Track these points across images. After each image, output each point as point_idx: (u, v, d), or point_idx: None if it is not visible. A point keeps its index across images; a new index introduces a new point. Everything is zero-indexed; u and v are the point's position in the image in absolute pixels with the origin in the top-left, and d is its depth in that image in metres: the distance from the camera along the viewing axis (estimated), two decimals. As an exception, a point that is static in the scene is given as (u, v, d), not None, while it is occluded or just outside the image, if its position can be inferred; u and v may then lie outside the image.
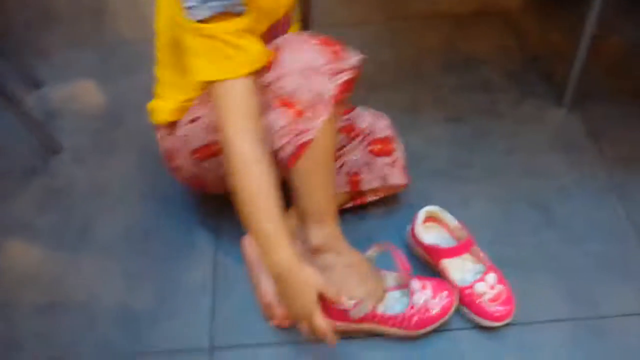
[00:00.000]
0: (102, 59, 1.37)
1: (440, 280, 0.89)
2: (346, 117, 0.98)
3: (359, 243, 0.90)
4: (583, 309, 0.90)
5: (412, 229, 0.95)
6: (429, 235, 0.95)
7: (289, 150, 0.77)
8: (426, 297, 0.86)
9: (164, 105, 0.93)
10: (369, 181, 1.00)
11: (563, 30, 1.33)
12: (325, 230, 0.83)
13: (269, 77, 0.77)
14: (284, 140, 0.77)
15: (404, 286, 0.87)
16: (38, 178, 1.15)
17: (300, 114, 0.75)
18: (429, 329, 0.87)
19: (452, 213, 0.96)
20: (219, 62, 0.73)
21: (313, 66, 0.75)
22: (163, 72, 0.92)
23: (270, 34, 0.84)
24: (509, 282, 0.90)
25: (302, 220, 0.83)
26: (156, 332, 0.93)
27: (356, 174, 0.99)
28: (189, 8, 0.70)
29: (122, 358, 0.91)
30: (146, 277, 0.99)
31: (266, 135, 0.76)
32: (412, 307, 0.85)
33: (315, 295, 0.75)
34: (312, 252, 0.83)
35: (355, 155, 0.99)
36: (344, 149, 0.99)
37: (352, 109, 1.01)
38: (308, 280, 0.75)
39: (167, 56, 0.89)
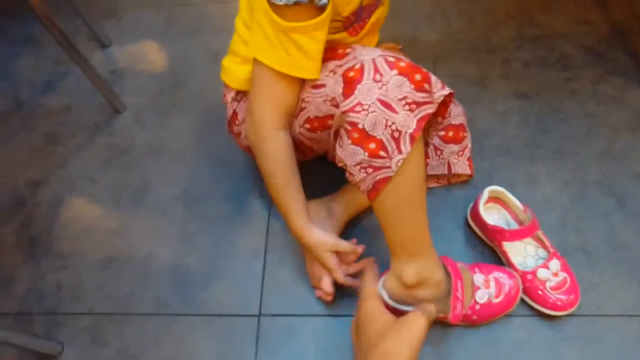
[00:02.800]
0: (167, 20, 1.37)
1: (504, 270, 0.85)
2: None
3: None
4: (654, 305, 0.85)
5: (475, 208, 0.91)
6: (491, 216, 0.91)
7: (367, 184, 0.73)
8: (490, 295, 0.82)
9: (236, 71, 0.88)
10: (434, 167, 0.97)
11: (655, 3, 1.22)
12: (418, 265, 0.77)
13: (347, 104, 0.71)
14: (362, 175, 0.72)
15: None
16: (102, 135, 1.18)
17: (376, 151, 0.70)
18: (487, 322, 0.85)
19: (516, 194, 0.91)
20: (278, 53, 0.73)
21: (393, 99, 0.69)
22: (245, 29, 0.85)
23: (357, 13, 0.79)
24: (573, 271, 0.85)
25: (392, 253, 0.78)
26: (207, 294, 0.94)
27: (425, 156, 0.96)
28: None
29: (174, 317, 0.93)
30: (200, 240, 1.01)
31: (346, 163, 0.74)
32: (474, 304, 0.82)
33: (327, 253, 0.82)
34: (406, 288, 0.78)
35: (429, 138, 0.95)
36: None
37: None
38: (317, 240, 0.83)
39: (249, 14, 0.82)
